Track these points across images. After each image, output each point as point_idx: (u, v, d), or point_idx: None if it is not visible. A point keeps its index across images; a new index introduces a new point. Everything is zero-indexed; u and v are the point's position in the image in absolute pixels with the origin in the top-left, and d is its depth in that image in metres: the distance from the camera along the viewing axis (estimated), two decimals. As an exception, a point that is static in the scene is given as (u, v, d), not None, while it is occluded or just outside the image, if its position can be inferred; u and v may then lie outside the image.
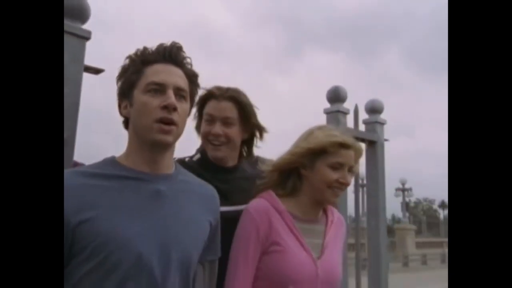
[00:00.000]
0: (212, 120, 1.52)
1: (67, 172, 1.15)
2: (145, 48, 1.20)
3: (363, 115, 2.39)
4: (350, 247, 2.17)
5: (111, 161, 1.18)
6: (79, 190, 1.09)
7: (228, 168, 1.59)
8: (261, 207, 1.41)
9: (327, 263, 1.44)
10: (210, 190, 1.33)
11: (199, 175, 1.35)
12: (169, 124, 1.12)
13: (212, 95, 1.54)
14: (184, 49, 1.26)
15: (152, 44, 1.21)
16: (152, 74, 1.15)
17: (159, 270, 1.10)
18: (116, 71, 1.23)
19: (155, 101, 1.12)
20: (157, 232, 1.12)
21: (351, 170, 1.45)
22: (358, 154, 1.48)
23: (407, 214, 29.98)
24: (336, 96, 2.15)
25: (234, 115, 1.54)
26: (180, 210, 1.19)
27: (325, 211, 1.54)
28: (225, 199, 1.42)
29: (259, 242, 1.37)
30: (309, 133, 1.49)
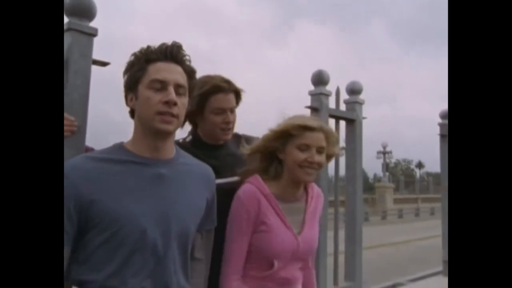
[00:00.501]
0: (224, 111, 1.67)
1: (80, 157, 1.26)
2: (148, 47, 1.27)
3: (344, 95, 2.49)
4: (330, 203, 2.36)
5: (119, 147, 1.29)
6: (91, 173, 1.19)
7: (218, 146, 1.75)
8: (250, 192, 1.54)
9: (306, 237, 1.60)
10: (206, 169, 1.45)
11: (193, 154, 1.48)
12: (170, 117, 1.22)
13: (220, 88, 1.66)
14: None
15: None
16: (155, 72, 1.23)
17: (161, 244, 1.22)
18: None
19: (157, 96, 1.21)
20: (159, 210, 1.23)
21: (322, 151, 1.55)
22: (328, 136, 1.58)
23: (387, 174, 31.07)
24: (319, 79, 2.25)
25: (235, 104, 1.71)
26: (180, 190, 1.31)
27: (305, 188, 1.68)
28: (217, 173, 1.55)
29: (250, 222, 1.52)
30: (287, 119, 1.60)
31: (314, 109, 2.23)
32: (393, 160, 53.39)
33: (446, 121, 2.96)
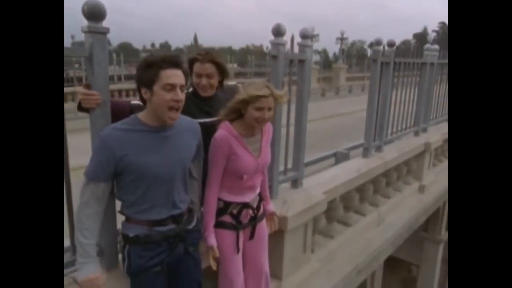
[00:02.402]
0: (200, 76, 2.01)
1: (110, 127, 1.63)
2: (160, 58, 1.57)
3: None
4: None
5: (135, 119, 1.65)
6: (119, 138, 1.58)
7: (209, 97, 2.13)
8: (223, 136, 1.98)
9: (263, 158, 2.11)
10: (193, 123, 1.86)
11: (193, 101, 1.95)
12: (177, 110, 1.59)
13: (197, 59, 1.99)
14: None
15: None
16: (166, 77, 1.55)
17: (168, 178, 1.69)
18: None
19: (169, 95, 1.56)
20: (165, 159, 1.66)
21: (271, 109, 1.98)
22: (277, 97, 2.00)
23: (342, 56, 31.38)
24: (277, 32, 2.47)
25: (213, 70, 2.03)
26: (179, 143, 1.73)
27: None
28: (208, 115, 2.03)
29: (225, 156, 1.98)
30: (245, 89, 1.99)
31: (273, 56, 2.49)
32: (350, 41, 53.03)
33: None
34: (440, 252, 8.04)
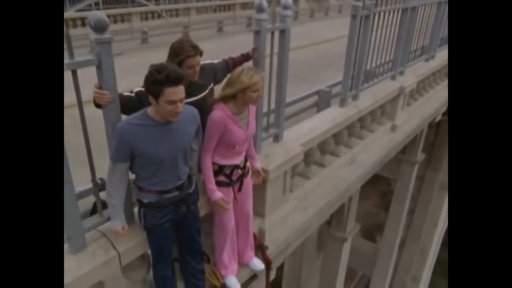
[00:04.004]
0: (191, 67, 2.38)
1: (125, 122, 2.01)
2: (164, 76, 1.86)
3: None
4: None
5: (145, 114, 2.02)
6: (133, 131, 1.99)
7: (194, 81, 2.49)
8: (219, 115, 2.40)
9: (250, 130, 2.58)
10: (192, 110, 2.24)
11: None
12: (176, 116, 1.97)
13: (189, 52, 2.32)
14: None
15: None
16: (170, 94, 1.88)
17: (173, 161, 2.13)
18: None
19: (171, 107, 1.92)
20: (170, 147, 2.08)
21: (260, 89, 2.42)
22: (263, 79, 2.42)
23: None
24: (259, 8, 2.69)
25: (199, 59, 2.39)
26: (181, 133, 2.13)
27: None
28: (194, 95, 2.40)
29: (219, 132, 2.42)
30: (238, 77, 2.32)
31: (257, 32, 2.75)
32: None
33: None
34: (415, 171, 9.12)
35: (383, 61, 4.96)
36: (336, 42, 14.03)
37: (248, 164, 2.77)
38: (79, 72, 1.85)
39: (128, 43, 13.30)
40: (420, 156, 8.86)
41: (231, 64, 2.81)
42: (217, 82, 2.72)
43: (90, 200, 2.48)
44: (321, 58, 11.72)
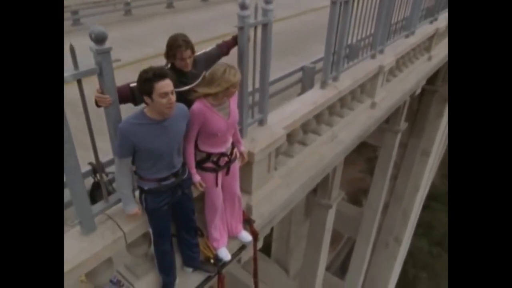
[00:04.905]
0: (184, 59, 2.62)
1: (125, 122, 2.28)
2: (153, 73, 2.15)
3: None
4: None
5: (142, 114, 2.31)
6: (133, 130, 2.28)
7: (186, 71, 2.75)
8: (198, 107, 2.68)
9: (232, 119, 2.87)
10: (183, 107, 2.53)
11: (173, 75, 2.46)
12: (171, 108, 2.23)
13: (180, 46, 2.57)
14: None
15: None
16: (161, 88, 2.17)
17: (169, 154, 2.45)
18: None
19: (164, 100, 2.20)
20: (166, 142, 2.39)
21: (237, 85, 2.71)
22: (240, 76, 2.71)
23: None
24: (243, 6, 2.90)
25: (191, 54, 2.64)
26: (175, 129, 2.44)
27: None
28: (185, 84, 2.69)
29: (199, 124, 2.69)
30: (223, 76, 2.59)
31: (240, 28, 2.98)
32: None
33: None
34: (397, 139, 9.64)
35: (363, 36, 5.11)
36: (323, 11, 13.95)
37: (235, 150, 3.09)
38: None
39: (110, 15, 12.89)
40: (403, 125, 9.32)
41: (224, 48, 3.06)
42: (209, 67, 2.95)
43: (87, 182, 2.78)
44: (308, 29, 11.71)
